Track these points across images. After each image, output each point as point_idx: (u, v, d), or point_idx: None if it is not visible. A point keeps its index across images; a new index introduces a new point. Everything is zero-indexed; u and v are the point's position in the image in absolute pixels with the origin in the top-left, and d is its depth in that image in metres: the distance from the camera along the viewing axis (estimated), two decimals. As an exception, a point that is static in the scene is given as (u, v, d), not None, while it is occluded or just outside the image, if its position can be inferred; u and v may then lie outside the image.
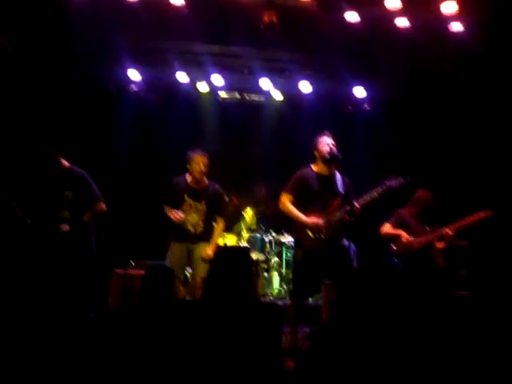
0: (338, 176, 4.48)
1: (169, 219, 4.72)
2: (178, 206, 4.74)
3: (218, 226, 4.89)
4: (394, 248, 4.84)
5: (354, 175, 4.71)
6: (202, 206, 4.75)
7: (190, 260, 4.77)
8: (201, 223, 4.75)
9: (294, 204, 4.42)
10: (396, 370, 1.89)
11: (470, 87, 6.23)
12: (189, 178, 4.79)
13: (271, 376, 2.39)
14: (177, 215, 4.64)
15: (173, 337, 2.57)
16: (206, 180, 4.82)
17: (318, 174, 4.46)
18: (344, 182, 4.47)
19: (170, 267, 3.52)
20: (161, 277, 2.99)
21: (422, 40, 5.50)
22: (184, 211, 4.72)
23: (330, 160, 4.42)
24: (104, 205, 4.55)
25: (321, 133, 4.56)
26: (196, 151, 4.76)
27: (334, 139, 4.51)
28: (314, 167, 4.52)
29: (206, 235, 4.80)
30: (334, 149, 4.43)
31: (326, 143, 4.46)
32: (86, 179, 4.47)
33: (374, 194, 4.30)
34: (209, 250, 4.71)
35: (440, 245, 4.72)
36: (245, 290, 2.55)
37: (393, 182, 4.32)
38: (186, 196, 4.74)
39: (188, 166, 4.75)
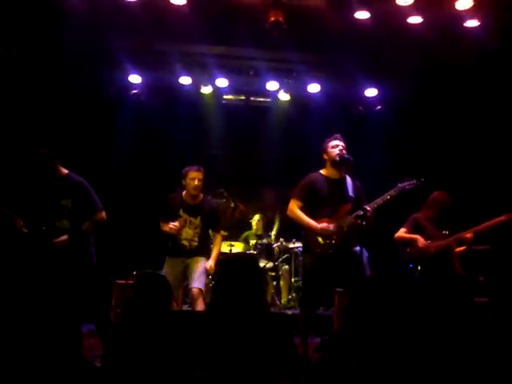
0: (349, 180, 4.38)
1: (165, 235, 4.76)
2: (173, 221, 4.76)
3: (216, 240, 4.95)
4: (409, 253, 4.74)
5: (366, 178, 4.62)
6: (197, 222, 4.78)
7: (185, 274, 4.77)
8: (196, 238, 4.78)
9: (303, 210, 4.36)
10: (410, 380, 1.87)
11: (486, 85, 6.12)
12: (184, 193, 4.84)
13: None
14: (172, 226, 4.66)
15: (177, 349, 2.53)
16: (201, 195, 4.87)
17: (327, 178, 4.39)
18: (355, 186, 4.36)
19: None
20: (152, 284, 2.88)
21: (436, 37, 5.39)
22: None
23: (339, 163, 4.32)
24: (104, 213, 4.45)
25: (330, 135, 4.46)
26: (191, 167, 4.80)
27: (345, 141, 4.42)
28: (323, 171, 4.44)
29: (201, 250, 4.84)
30: (344, 151, 4.35)
31: (336, 146, 4.36)
32: (85, 187, 4.36)
33: (387, 196, 4.20)
34: (211, 263, 4.78)
35: (458, 249, 4.65)
36: (255, 300, 2.49)
37: (406, 184, 4.21)
38: (181, 211, 4.78)
39: (183, 181, 4.80)
